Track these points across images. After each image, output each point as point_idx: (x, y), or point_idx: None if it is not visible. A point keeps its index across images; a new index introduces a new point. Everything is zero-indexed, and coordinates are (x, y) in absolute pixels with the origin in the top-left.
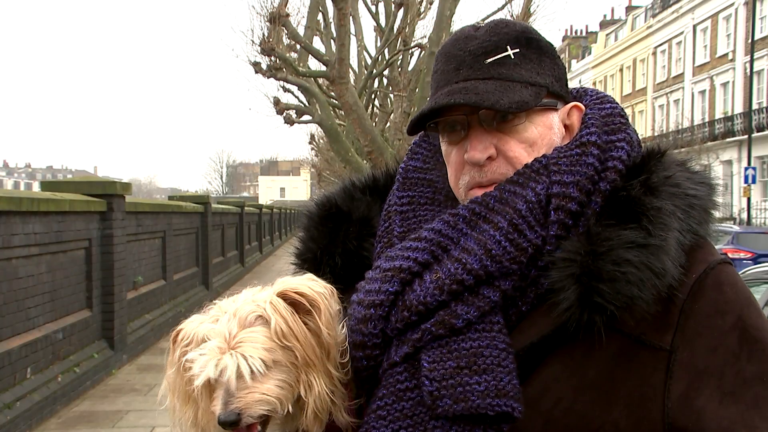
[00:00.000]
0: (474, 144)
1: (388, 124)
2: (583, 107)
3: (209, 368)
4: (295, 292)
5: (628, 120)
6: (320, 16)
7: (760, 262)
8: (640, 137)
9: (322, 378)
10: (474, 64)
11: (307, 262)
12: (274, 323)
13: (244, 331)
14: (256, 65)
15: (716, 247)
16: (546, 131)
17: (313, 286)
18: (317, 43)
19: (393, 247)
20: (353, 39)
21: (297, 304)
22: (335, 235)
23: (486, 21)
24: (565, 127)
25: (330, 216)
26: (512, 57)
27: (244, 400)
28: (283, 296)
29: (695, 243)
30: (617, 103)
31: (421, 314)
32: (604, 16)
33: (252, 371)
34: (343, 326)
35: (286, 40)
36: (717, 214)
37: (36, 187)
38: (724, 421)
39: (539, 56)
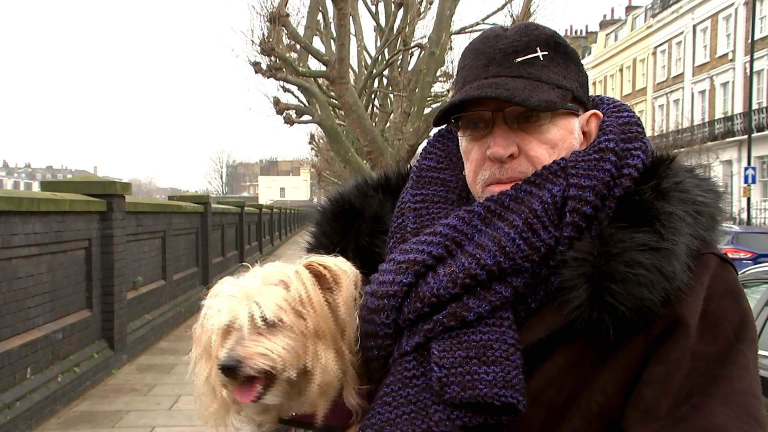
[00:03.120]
0: (498, 140)
1: (388, 124)
2: (601, 115)
3: (222, 314)
4: (321, 265)
5: (643, 129)
6: (320, 16)
7: (760, 262)
8: None
9: (332, 353)
10: (504, 61)
11: None
12: (293, 288)
13: (264, 287)
14: (256, 65)
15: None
16: (567, 135)
17: (340, 264)
18: (317, 43)
19: (407, 242)
20: (353, 39)
21: (321, 279)
22: (348, 232)
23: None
24: (583, 133)
25: (343, 212)
26: (541, 58)
27: (247, 350)
28: (309, 267)
29: (701, 248)
30: (633, 112)
31: (433, 306)
32: (604, 16)
33: (264, 319)
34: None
35: (286, 40)
36: (722, 219)
37: (36, 187)
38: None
39: (566, 61)
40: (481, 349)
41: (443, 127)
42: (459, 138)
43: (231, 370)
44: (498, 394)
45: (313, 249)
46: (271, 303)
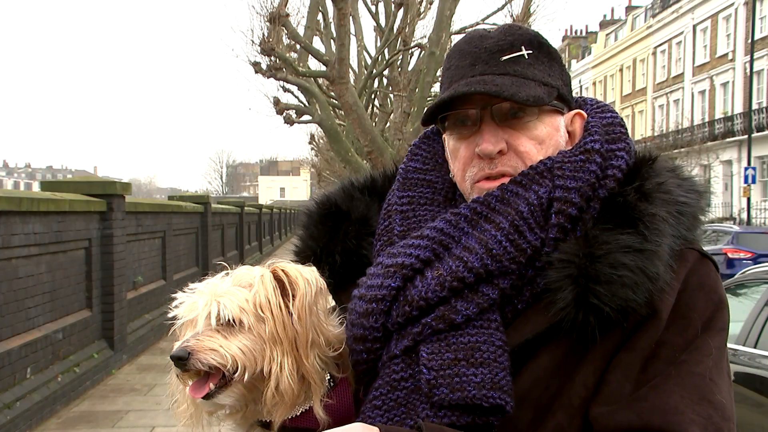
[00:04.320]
0: (487, 137)
1: (388, 124)
2: (585, 115)
3: (183, 308)
4: (282, 271)
5: (627, 129)
6: (320, 16)
7: (760, 262)
8: (641, 137)
9: (289, 360)
10: (490, 60)
11: (307, 260)
12: (254, 290)
13: (231, 287)
14: (256, 65)
15: (716, 247)
16: (554, 132)
17: (304, 272)
18: (317, 43)
19: (394, 245)
20: (353, 39)
21: (284, 285)
22: (335, 234)
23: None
24: (568, 133)
25: (330, 215)
26: (526, 57)
27: (199, 344)
28: (273, 272)
29: (684, 248)
30: (617, 113)
31: (421, 309)
32: (604, 16)
33: (224, 317)
34: (342, 322)
35: (286, 40)
36: (704, 219)
37: (36, 187)
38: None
39: (550, 61)
40: (469, 351)
41: (429, 128)
42: (446, 138)
43: (180, 361)
44: (486, 395)
45: (300, 252)
46: (233, 303)
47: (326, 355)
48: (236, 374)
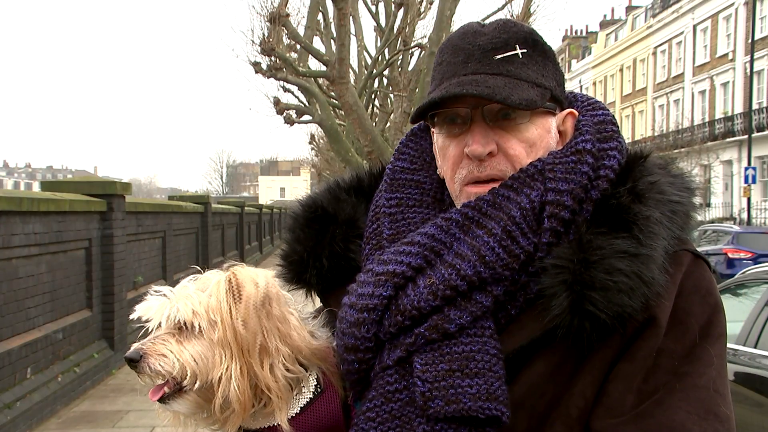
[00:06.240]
0: (476, 138)
1: (388, 124)
2: (576, 113)
3: (139, 310)
4: (233, 273)
5: (618, 128)
6: (320, 16)
7: (760, 262)
8: (641, 137)
9: (237, 366)
10: (483, 58)
11: (294, 264)
12: (206, 293)
13: (192, 292)
14: (256, 65)
15: (716, 247)
16: (545, 134)
17: (256, 276)
18: (317, 43)
19: (385, 251)
20: (353, 39)
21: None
22: (322, 237)
23: (489, 20)
24: (559, 132)
25: (316, 218)
26: (520, 56)
27: (152, 348)
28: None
29: (677, 249)
30: (608, 110)
31: (414, 319)
32: (604, 16)
33: (170, 319)
34: (324, 325)
35: (286, 40)
36: (697, 216)
37: (36, 187)
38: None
39: (544, 60)
40: (463, 362)
41: (417, 125)
42: (434, 135)
43: (132, 363)
44: (482, 407)
45: (287, 256)
46: (187, 307)
47: (295, 365)
48: (185, 382)
